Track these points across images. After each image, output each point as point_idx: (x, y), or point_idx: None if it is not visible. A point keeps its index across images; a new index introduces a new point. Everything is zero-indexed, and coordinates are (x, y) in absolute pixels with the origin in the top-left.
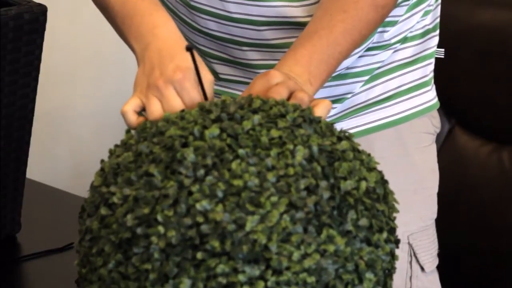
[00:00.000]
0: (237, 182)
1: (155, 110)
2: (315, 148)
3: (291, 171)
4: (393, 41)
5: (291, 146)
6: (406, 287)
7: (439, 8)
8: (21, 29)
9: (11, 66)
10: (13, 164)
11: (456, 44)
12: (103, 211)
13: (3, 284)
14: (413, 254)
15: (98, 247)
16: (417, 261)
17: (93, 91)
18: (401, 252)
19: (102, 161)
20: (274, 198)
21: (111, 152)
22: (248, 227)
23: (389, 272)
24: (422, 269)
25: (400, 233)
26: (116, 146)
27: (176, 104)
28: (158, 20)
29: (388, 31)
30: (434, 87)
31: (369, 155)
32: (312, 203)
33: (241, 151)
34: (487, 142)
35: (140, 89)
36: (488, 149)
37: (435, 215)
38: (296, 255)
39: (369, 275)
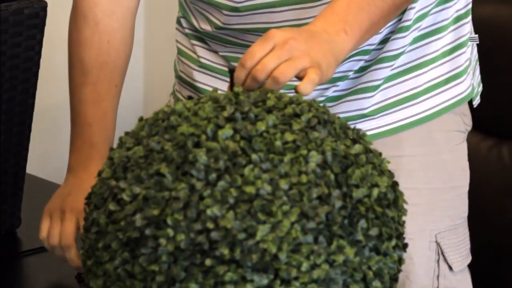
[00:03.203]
0: (249, 189)
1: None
2: (328, 154)
3: (304, 178)
4: (414, 18)
5: (304, 152)
6: (433, 286)
7: None
8: (21, 25)
9: (11, 61)
10: (13, 159)
11: None
12: (111, 206)
13: (3, 279)
14: (440, 253)
15: (104, 242)
16: (445, 260)
17: None
18: (429, 251)
19: (111, 149)
20: (285, 207)
21: (121, 141)
22: (258, 236)
23: (395, 276)
24: (450, 268)
25: (427, 231)
26: (126, 134)
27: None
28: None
29: (413, 8)
30: (469, 75)
31: (380, 154)
32: (324, 213)
33: (254, 156)
34: (487, 137)
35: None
36: (488, 145)
37: (465, 214)
38: (305, 266)
39: (376, 283)
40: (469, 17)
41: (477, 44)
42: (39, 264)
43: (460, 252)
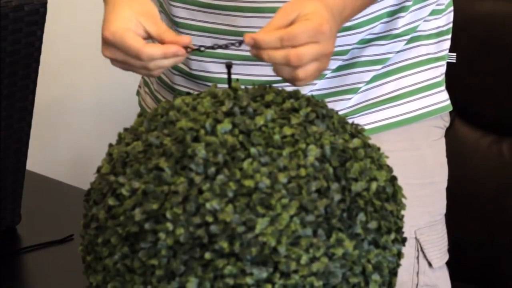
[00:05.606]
0: (248, 183)
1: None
2: (327, 148)
3: (302, 172)
4: (402, 30)
5: (303, 145)
6: (412, 283)
7: (452, 13)
8: (21, 21)
9: (11, 57)
10: (13, 156)
11: (456, 35)
12: (111, 201)
13: (3, 275)
14: (420, 249)
15: (104, 237)
16: (425, 256)
17: (93, 83)
18: (408, 247)
19: (110, 145)
20: (284, 201)
21: (120, 137)
22: (257, 230)
23: (394, 270)
24: (430, 264)
25: (407, 227)
26: (125, 130)
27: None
28: None
29: (402, 17)
30: (446, 91)
31: (378, 149)
32: (323, 206)
33: (253, 150)
34: (487, 134)
35: None
36: (488, 141)
37: (444, 210)
38: (304, 259)
39: (375, 277)
40: (450, 35)
41: (477, 40)
42: (39, 261)
43: (439, 248)
